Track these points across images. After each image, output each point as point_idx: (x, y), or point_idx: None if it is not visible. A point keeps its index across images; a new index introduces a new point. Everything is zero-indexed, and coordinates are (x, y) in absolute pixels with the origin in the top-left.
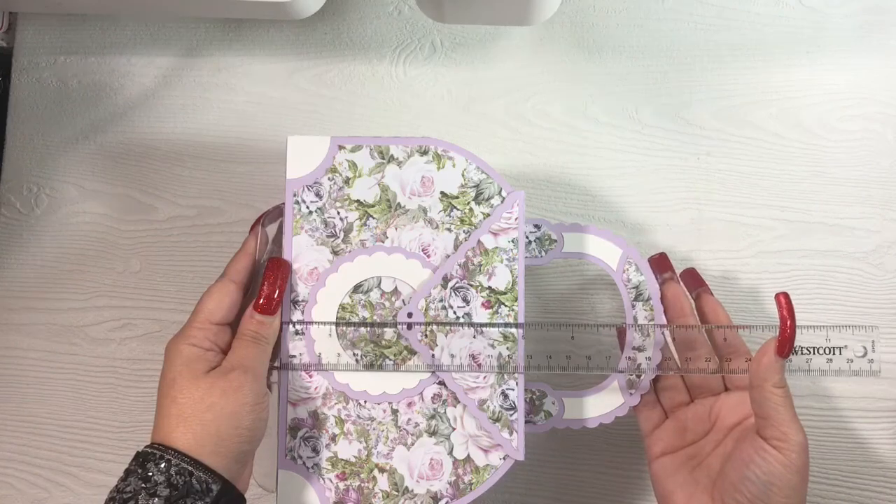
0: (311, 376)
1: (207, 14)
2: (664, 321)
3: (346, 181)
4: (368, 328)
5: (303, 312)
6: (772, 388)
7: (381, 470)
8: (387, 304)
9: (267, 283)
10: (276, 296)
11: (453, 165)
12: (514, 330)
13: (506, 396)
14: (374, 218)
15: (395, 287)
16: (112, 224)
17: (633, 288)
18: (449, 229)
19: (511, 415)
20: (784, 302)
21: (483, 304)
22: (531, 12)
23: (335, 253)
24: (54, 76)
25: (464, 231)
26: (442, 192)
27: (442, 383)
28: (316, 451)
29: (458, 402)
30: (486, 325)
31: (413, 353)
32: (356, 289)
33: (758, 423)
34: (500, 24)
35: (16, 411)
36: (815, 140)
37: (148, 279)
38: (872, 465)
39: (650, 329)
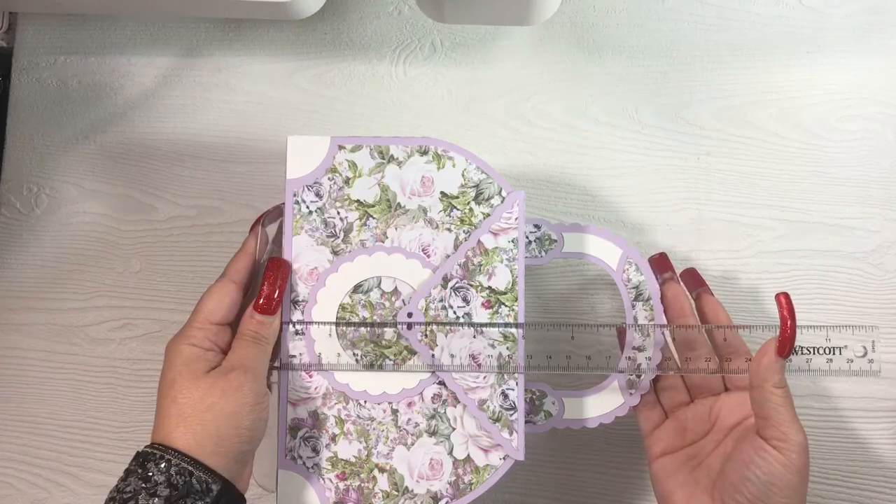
0: (311, 376)
1: (207, 14)
2: (664, 321)
3: (346, 181)
4: (368, 328)
5: (303, 312)
6: (772, 389)
7: (381, 470)
8: (387, 304)
9: (267, 283)
10: (276, 296)
11: (453, 165)
12: (514, 330)
13: (506, 396)
14: (374, 218)
15: (395, 287)
16: (112, 224)
17: (633, 288)
18: (449, 229)
19: (511, 415)
20: (784, 302)
21: (483, 304)
22: (531, 12)
23: (335, 253)
24: (54, 76)
25: (464, 231)
26: (442, 192)
27: (442, 383)
28: (316, 451)
29: (458, 402)
30: (486, 325)
31: (413, 353)
32: (356, 289)
33: (758, 424)
34: (500, 24)
35: (16, 411)
36: (815, 140)
37: (148, 279)
38: (872, 465)
39: (650, 329)
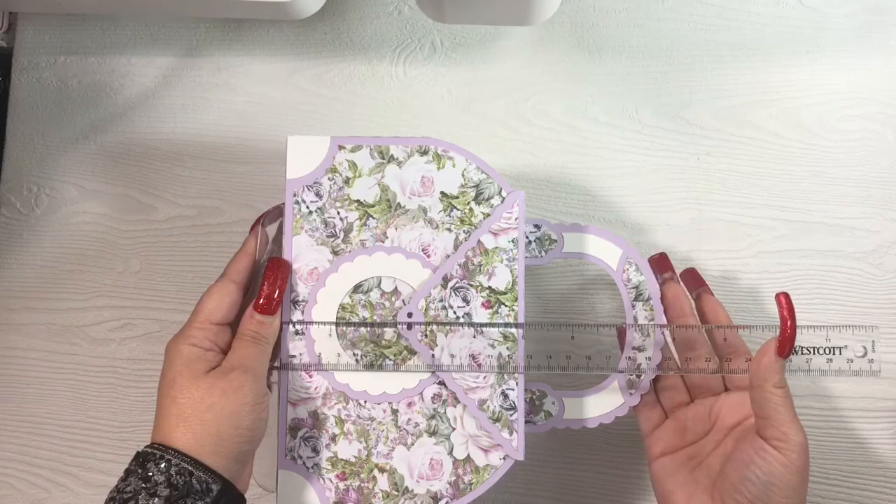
0: (311, 376)
1: (207, 14)
2: (664, 321)
3: (346, 181)
4: (368, 328)
5: (303, 312)
6: (772, 389)
7: (381, 470)
8: (387, 304)
9: (267, 283)
10: (276, 296)
11: (453, 165)
12: (514, 330)
13: (506, 396)
14: (374, 218)
15: (395, 287)
16: (112, 224)
17: (633, 288)
18: (449, 229)
19: (511, 415)
20: (784, 302)
21: (483, 304)
22: (531, 12)
23: (335, 253)
24: (54, 76)
25: (464, 231)
26: (442, 192)
27: (442, 383)
28: (316, 451)
29: (458, 402)
30: (486, 325)
31: (413, 353)
32: (356, 289)
33: (758, 424)
34: (500, 24)
35: (16, 411)
36: (815, 140)
37: (148, 279)
38: (872, 465)
39: (650, 329)
